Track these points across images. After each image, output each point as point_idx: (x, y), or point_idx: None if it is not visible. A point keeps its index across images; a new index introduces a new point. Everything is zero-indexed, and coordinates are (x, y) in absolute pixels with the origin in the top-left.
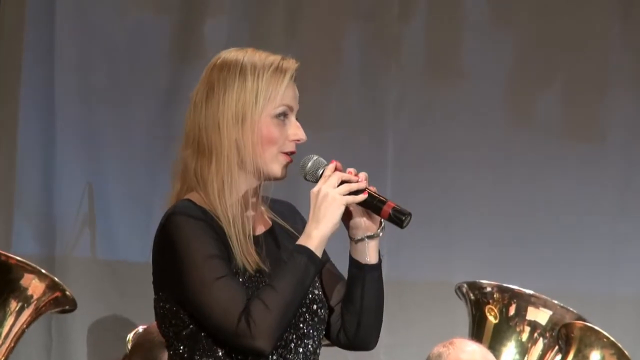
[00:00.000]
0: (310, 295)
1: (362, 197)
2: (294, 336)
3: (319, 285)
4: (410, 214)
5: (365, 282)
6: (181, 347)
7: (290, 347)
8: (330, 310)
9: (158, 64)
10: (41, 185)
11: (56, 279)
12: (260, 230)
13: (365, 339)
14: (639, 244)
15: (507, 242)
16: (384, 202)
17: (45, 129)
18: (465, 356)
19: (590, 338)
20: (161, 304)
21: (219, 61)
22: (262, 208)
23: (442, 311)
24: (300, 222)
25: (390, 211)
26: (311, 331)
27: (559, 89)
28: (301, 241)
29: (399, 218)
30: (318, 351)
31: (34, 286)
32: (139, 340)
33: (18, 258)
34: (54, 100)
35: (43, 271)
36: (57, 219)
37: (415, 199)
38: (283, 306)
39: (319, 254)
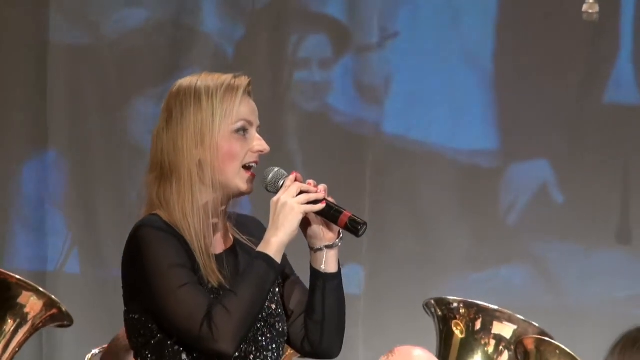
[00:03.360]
0: (268, 310)
1: (319, 206)
2: (253, 348)
3: (279, 300)
4: (365, 223)
5: (325, 290)
6: (149, 356)
7: (250, 359)
8: (294, 321)
9: (149, 79)
10: (35, 207)
11: (53, 296)
12: (221, 248)
13: (328, 347)
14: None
15: (479, 259)
16: (340, 212)
17: (38, 149)
18: None
19: (546, 351)
20: (130, 315)
21: (174, 88)
22: (228, 225)
23: (416, 327)
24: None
25: (347, 220)
26: (270, 344)
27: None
28: (261, 248)
29: (355, 227)
30: None
31: (32, 303)
32: (107, 349)
33: (17, 277)
34: (45, 117)
35: (41, 289)
36: (49, 237)
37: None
38: (244, 310)
39: (277, 259)
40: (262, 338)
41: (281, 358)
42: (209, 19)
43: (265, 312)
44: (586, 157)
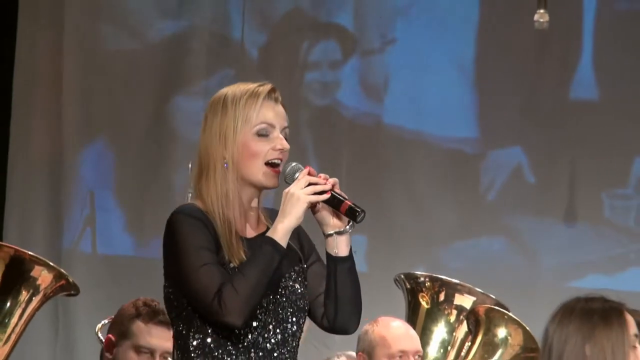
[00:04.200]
0: (291, 288)
1: (325, 196)
2: (273, 320)
3: (303, 280)
4: (363, 211)
5: (337, 272)
6: (181, 325)
7: (269, 329)
8: (315, 299)
9: (150, 91)
10: (52, 193)
11: (62, 269)
12: (252, 234)
13: (344, 324)
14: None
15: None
16: (342, 201)
17: (55, 145)
18: (389, 331)
19: (495, 317)
20: (168, 290)
21: (212, 98)
22: (261, 215)
23: (386, 298)
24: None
25: (347, 208)
26: (290, 317)
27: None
28: (269, 233)
29: (353, 214)
30: (298, 334)
31: (43, 276)
32: (114, 318)
33: (30, 253)
34: (61, 120)
35: (51, 263)
36: (65, 220)
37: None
38: (249, 288)
39: (283, 243)
40: (282, 312)
41: (301, 331)
42: (237, 28)
43: (288, 290)
44: (553, 144)
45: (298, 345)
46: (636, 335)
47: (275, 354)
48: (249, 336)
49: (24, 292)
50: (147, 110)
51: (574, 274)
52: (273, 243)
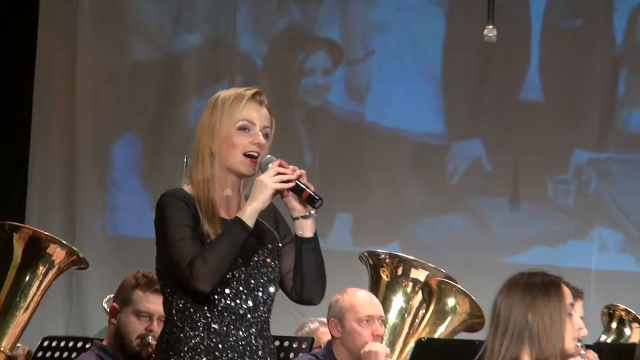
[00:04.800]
0: (263, 262)
1: (289, 185)
2: (245, 289)
3: (275, 255)
4: (321, 199)
5: (302, 251)
6: (168, 292)
7: (241, 296)
8: (286, 274)
9: (151, 97)
10: (67, 183)
11: (73, 247)
12: (231, 216)
13: (309, 296)
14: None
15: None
16: (303, 190)
17: (69, 141)
18: (357, 299)
19: (446, 289)
20: (157, 262)
21: (209, 102)
22: (243, 200)
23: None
24: (272, 212)
25: (307, 196)
26: (260, 287)
27: None
28: (239, 214)
29: (312, 201)
30: (268, 302)
31: (57, 253)
32: (118, 288)
33: (46, 233)
34: (75, 120)
35: (64, 242)
36: (77, 206)
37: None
38: (217, 260)
39: (250, 223)
40: (253, 282)
41: (271, 300)
42: (245, 40)
43: (260, 263)
44: (506, 138)
45: (269, 311)
46: (572, 305)
47: (247, 318)
48: (223, 302)
49: (41, 267)
50: (162, 109)
51: (523, 245)
52: (241, 222)
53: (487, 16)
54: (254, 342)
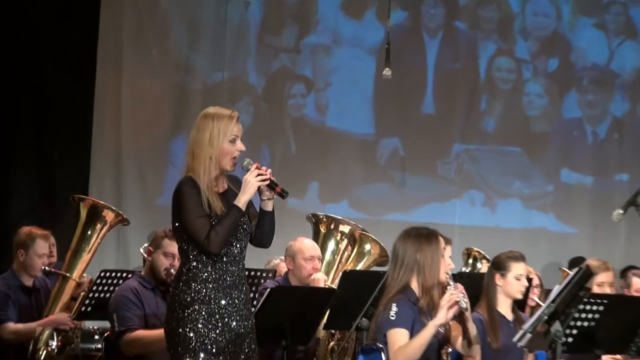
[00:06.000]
0: (243, 223)
1: (266, 182)
2: (235, 239)
3: (249, 219)
4: (287, 192)
5: (265, 218)
6: (184, 245)
7: (235, 244)
8: (253, 229)
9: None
10: (114, 171)
11: (119, 210)
12: (221, 190)
13: (264, 242)
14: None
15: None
16: (276, 185)
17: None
18: (303, 244)
19: (364, 238)
20: (175, 226)
21: (202, 114)
22: (225, 181)
23: (300, 229)
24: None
25: (279, 190)
26: (243, 237)
27: None
28: (235, 202)
29: (282, 194)
30: (245, 248)
31: (109, 215)
32: (152, 238)
33: (102, 202)
34: (120, 128)
35: (113, 207)
36: (122, 183)
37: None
38: (224, 232)
39: (243, 208)
40: (239, 234)
41: (246, 244)
42: (252, 76)
43: (244, 227)
44: (414, 136)
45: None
46: (444, 248)
47: (237, 258)
48: (224, 249)
49: (98, 224)
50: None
51: (421, 203)
52: (237, 208)
53: (385, 62)
54: (241, 274)
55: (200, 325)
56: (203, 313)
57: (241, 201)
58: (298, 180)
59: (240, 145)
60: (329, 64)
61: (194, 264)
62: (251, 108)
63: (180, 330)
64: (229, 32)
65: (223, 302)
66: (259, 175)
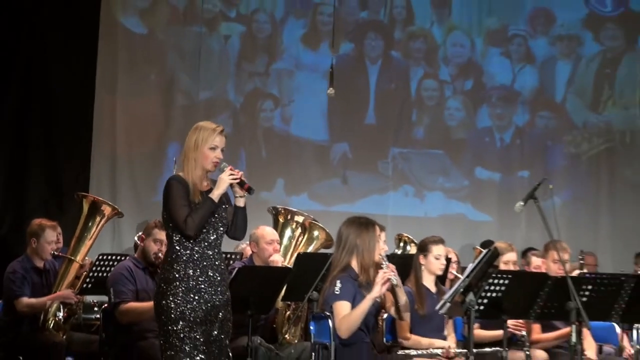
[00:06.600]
0: (220, 217)
1: (236, 180)
2: (212, 229)
3: (226, 210)
4: (254, 190)
5: (238, 214)
6: (174, 234)
7: (211, 233)
8: (229, 221)
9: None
10: (110, 172)
11: (115, 205)
12: (204, 189)
13: (237, 235)
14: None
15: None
16: (245, 184)
17: (111, 147)
18: (265, 231)
19: (313, 225)
20: (164, 216)
21: (194, 126)
22: (209, 181)
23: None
24: (225, 197)
25: (247, 188)
26: (219, 227)
27: None
28: (210, 195)
29: (249, 191)
30: (221, 237)
31: (107, 209)
32: (145, 227)
33: (100, 198)
34: (116, 138)
35: (110, 202)
36: (117, 182)
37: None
38: (198, 218)
39: (216, 200)
40: (215, 224)
41: (222, 235)
42: (231, 94)
43: (219, 217)
44: (358, 142)
45: (221, 240)
46: (379, 235)
47: (213, 244)
48: (201, 235)
49: (97, 216)
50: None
51: (363, 196)
52: (211, 199)
53: (330, 83)
54: (217, 257)
55: (179, 299)
56: (183, 288)
57: (215, 194)
58: (267, 177)
59: (218, 154)
60: (292, 84)
61: (177, 247)
62: (230, 120)
63: (164, 302)
64: (212, 60)
65: (200, 279)
66: (231, 174)
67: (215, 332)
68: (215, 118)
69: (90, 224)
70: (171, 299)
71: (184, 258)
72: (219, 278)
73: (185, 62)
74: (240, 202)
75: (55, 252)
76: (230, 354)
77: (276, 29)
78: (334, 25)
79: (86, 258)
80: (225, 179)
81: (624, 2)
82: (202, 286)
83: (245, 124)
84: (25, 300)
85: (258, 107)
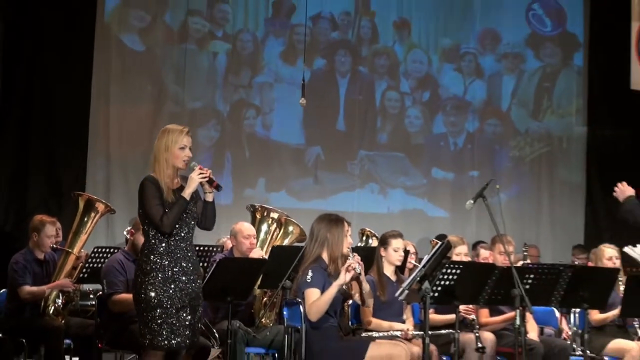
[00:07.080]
0: (191, 212)
1: (206, 179)
2: (184, 223)
3: (196, 206)
4: (222, 186)
5: (207, 207)
6: (146, 227)
7: (183, 227)
8: (199, 214)
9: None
10: (105, 173)
11: (109, 203)
12: (175, 187)
13: (207, 226)
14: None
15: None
16: (213, 181)
17: (105, 147)
18: (243, 226)
19: (288, 222)
20: (140, 212)
21: (162, 129)
22: (179, 178)
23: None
24: (196, 194)
25: (215, 185)
26: (190, 222)
27: None
28: (182, 194)
29: (218, 188)
30: (192, 230)
31: (100, 206)
32: (134, 223)
33: (95, 196)
34: (109, 142)
35: (103, 201)
36: (111, 182)
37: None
38: (173, 216)
39: (187, 198)
40: (186, 220)
41: (193, 229)
42: (219, 104)
43: (190, 212)
44: (330, 146)
45: (193, 233)
46: (347, 230)
47: (185, 237)
48: (174, 230)
49: (92, 213)
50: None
51: (332, 193)
52: (183, 198)
53: (302, 94)
54: (189, 248)
55: (157, 288)
56: (160, 278)
57: (186, 193)
58: (250, 176)
59: (188, 152)
60: (272, 95)
61: (152, 241)
62: (219, 127)
63: (142, 291)
64: (202, 74)
65: (175, 269)
66: (200, 173)
67: (189, 317)
68: (204, 125)
69: (85, 219)
70: (150, 288)
71: (160, 250)
72: (191, 268)
73: (178, 75)
74: (209, 197)
75: (55, 245)
76: (217, 335)
77: (258, 47)
78: (306, 43)
79: (82, 250)
80: (195, 178)
81: (562, 23)
82: (177, 276)
83: (231, 130)
84: (27, 288)
85: (242, 115)
